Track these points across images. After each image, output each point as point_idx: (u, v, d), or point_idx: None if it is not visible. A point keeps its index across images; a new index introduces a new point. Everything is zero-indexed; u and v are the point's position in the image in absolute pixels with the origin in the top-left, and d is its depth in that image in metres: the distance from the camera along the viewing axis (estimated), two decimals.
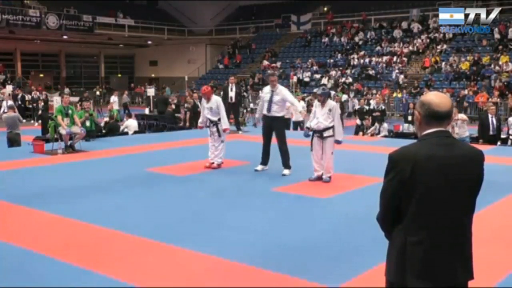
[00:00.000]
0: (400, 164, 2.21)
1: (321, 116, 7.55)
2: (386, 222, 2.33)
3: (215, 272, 4.07)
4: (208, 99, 8.65)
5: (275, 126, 8.23)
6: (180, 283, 3.85)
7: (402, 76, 25.99)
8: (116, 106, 19.11)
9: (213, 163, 8.62)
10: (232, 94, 13.80)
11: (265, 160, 8.44)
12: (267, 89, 8.42)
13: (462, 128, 11.51)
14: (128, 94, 27.05)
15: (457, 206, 2.23)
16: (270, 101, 8.16)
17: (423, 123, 2.29)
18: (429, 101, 2.27)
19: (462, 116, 11.80)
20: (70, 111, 10.49)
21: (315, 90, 25.10)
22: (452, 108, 2.32)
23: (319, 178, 7.66)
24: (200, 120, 9.11)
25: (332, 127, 7.56)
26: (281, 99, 8.19)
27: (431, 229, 2.20)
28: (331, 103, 7.68)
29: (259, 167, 8.40)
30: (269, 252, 4.49)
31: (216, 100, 8.72)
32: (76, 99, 21.55)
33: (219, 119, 8.58)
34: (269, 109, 8.18)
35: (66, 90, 29.72)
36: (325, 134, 7.56)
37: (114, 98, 21.68)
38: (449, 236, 2.21)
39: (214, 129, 8.60)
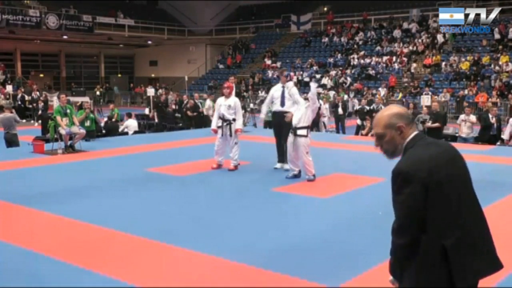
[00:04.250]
0: (416, 174, 2.17)
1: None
2: (411, 234, 2.21)
3: (215, 272, 4.06)
4: (229, 95, 8.59)
5: (285, 122, 8.18)
6: (180, 283, 3.85)
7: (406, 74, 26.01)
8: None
9: (220, 164, 8.52)
10: None
11: (281, 158, 8.55)
12: (277, 86, 8.64)
13: (470, 129, 12.15)
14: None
15: (473, 199, 2.31)
16: (283, 96, 8.38)
17: (407, 128, 2.33)
18: (400, 112, 2.37)
19: (473, 118, 12.45)
20: (68, 111, 10.48)
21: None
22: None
23: (296, 176, 7.73)
24: (213, 123, 8.74)
25: (307, 127, 7.61)
26: (292, 94, 8.42)
27: (463, 227, 2.21)
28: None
29: (278, 165, 8.57)
30: (269, 252, 4.48)
31: (235, 98, 8.72)
32: (77, 99, 21.52)
33: (234, 119, 8.49)
34: (282, 104, 8.38)
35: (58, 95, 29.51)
36: (298, 132, 7.60)
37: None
38: (480, 228, 2.28)
39: (227, 129, 8.44)
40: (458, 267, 2.17)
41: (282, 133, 8.30)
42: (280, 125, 8.39)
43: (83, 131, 10.61)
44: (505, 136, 11.91)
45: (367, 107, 15.54)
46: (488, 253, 2.31)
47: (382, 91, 24.40)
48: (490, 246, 2.33)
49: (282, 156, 8.52)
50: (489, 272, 2.31)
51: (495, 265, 2.34)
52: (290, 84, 8.69)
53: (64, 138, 10.16)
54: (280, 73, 9.02)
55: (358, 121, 14.93)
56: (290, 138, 7.69)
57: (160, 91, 22.05)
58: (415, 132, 2.34)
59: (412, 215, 2.18)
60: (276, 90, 8.57)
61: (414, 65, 26.82)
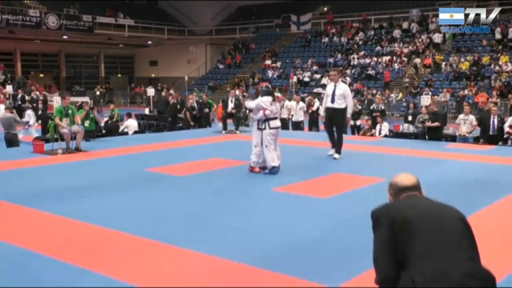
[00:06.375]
0: (385, 215, 2.41)
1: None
2: (385, 270, 2.42)
3: (215, 272, 4.06)
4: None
5: (336, 117, 9.37)
6: (180, 283, 3.85)
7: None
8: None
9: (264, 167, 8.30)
10: (231, 105, 14.43)
11: (333, 144, 9.62)
12: (330, 84, 9.69)
13: (469, 128, 12.29)
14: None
15: (451, 233, 2.31)
16: (333, 94, 9.33)
17: (395, 197, 2.59)
18: (394, 181, 2.65)
19: (472, 118, 12.66)
20: (70, 111, 10.49)
21: (315, 89, 25.21)
22: (418, 182, 2.63)
23: (262, 169, 8.17)
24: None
25: (265, 120, 8.01)
26: (342, 93, 9.31)
27: (435, 267, 2.22)
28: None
29: (331, 152, 9.62)
30: (269, 252, 4.48)
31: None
32: (77, 99, 21.52)
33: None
34: (332, 101, 9.36)
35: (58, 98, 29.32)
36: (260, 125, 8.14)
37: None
38: (459, 271, 2.23)
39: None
40: None
41: (337, 126, 9.47)
42: (330, 119, 9.52)
43: (82, 129, 10.58)
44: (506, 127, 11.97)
45: (359, 107, 15.48)
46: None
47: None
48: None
49: (334, 143, 9.63)
50: None
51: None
52: (341, 83, 9.73)
53: (66, 136, 10.15)
54: (334, 74, 9.85)
55: (351, 122, 14.64)
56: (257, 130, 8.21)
57: (171, 91, 21.78)
58: (409, 193, 2.54)
59: (383, 253, 2.37)
60: (329, 88, 9.59)
61: (419, 60, 26.79)
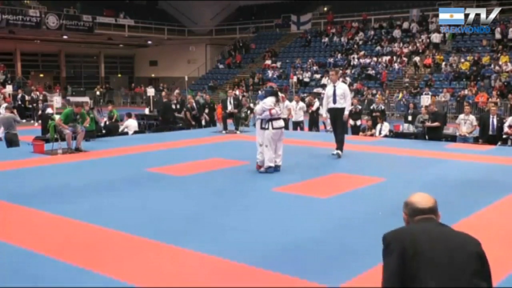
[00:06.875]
0: (396, 242, 2.29)
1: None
2: None
3: (215, 272, 4.06)
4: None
5: (339, 116, 9.46)
6: (180, 283, 3.85)
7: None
8: None
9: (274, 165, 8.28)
10: (230, 106, 14.41)
11: (339, 145, 9.69)
12: (329, 85, 9.76)
13: (469, 128, 12.32)
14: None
15: (462, 272, 2.22)
16: (334, 95, 9.41)
17: (410, 221, 2.47)
18: (411, 201, 2.50)
19: (472, 118, 12.65)
20: (78, 117, 10.42)
21: (315, 89, 25.21)
22: (435, 204, 2.49)
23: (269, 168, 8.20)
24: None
25: (269, 120, 8.07)
26: (343, 92, 9.40)
27: None
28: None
29: (335, 152, 9.66)
30: (269, 252, 4.48)
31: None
32: (77, 99, 21.52)
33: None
34: (334, 101, 9.43)
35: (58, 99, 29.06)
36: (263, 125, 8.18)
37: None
38: None
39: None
40: None
41: (339, 125, 9.57)
42: (334, 119, 9.63)
43: (83, 129, 10.56)
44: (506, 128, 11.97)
45: (359, 107, 15.48)
46: None
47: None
48: None
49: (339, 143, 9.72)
50: None
51: None
52: (341, 83, 9.79)
53: (67, 137, 10.13)
54: (333, 74, 9.88)
55: (351, 121, 14.60)
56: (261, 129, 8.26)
57: (177, 91, 21.62)
58: (425, 216, 2.43)
59: (392, 280, 2.27)
60: (329, 89, 9.66)
61: (418, 58, 26.77)
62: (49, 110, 15.20)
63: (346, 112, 9.67)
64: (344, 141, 9.73)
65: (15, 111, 13.00)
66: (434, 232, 2.33)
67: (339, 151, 9.65)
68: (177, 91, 21.36)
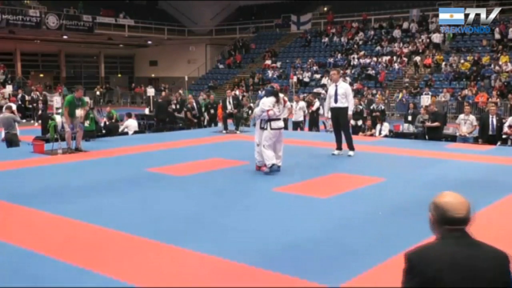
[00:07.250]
0: (420, 266, 2.12)
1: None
2: None
3: (215, 272, 4.06)
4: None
5: (341, 115, 9.50)
6: (180, 283, 3.85)
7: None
8: None
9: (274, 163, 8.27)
10: (230, 106, 14.45)
11: (339, 146, 9.78)
12: (331, 85, 9.84)
13: (469, 128, 12.36)
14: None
15: None
16: (336, 94, 9.49)
17: (437, 227, 2.21)
18: (442, 205, 2.19)
19: (472, 118, 12.72)
20: (80, 103, 10.34)
21: (315, 89, 25.20)
22: (468, 211, 2.21)
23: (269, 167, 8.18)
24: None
25: (268, 120, 8.08)
26: (344, 92, 9.45)
27: None
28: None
29: (336, 152, 9.76)
30: (269, 252, 4.48)
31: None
32: None
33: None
34: (335, 101, 9.51)
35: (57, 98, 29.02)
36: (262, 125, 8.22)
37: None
38: None
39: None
40: None
41: (342, 124, 9.62)
42: (336, 118, 9.67)
43: (82, 128, 10.53)
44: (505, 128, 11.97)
45: (360, 107, 15.46)
46: None
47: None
48: None
49: (339, 145, 9.78)
50: None
51: None
52: (342, 83, 9.84)
53: (67, 136, 10.12)
54: (334, 73, 9.91)
55: (352, 121, 14.60)
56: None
57: (180, 91, 21.54)
58: (456, 227, 2.18)
59: None
60: (331, 89, 9.72)
61: (418, 58, 26.77)
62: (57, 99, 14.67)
63: (350, 112, 9.65)
64: (351, 139, 9.80)
65: (14, 111, 12.96)
66: (462, 258, 2.12)
67: (351, 152, 9.70)
68: (180, 91, 21.36)
